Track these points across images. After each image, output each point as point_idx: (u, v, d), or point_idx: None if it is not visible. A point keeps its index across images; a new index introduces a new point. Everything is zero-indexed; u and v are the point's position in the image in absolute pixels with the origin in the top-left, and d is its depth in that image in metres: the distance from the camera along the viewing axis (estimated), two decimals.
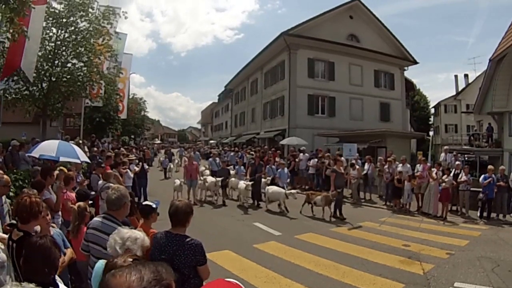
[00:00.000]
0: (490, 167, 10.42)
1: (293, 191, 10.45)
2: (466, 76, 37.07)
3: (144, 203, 3.83)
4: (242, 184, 10.80)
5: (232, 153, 19.23)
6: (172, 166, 19.13)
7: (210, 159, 14.50)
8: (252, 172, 11.61)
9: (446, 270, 5.47)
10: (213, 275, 2.46)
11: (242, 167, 13.31)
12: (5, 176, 4.37)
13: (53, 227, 3.37)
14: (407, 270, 5.43)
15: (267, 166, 12.31)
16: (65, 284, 2.08)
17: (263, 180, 11.40)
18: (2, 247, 2.52)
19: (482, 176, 10.31)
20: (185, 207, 2.65)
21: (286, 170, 12.05)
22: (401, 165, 11.29)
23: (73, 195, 5.14)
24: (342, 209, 9.71)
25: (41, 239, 1.97)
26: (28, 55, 8.49)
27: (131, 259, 1.44)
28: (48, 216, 3.11)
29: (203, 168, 13.73)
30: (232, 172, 12.57)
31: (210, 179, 11.44)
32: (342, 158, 11.99)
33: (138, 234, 2.28)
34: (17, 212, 2.75)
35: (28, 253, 1.90)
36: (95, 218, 3.01)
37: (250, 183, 10.69)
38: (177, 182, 11.22)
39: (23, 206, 2.69)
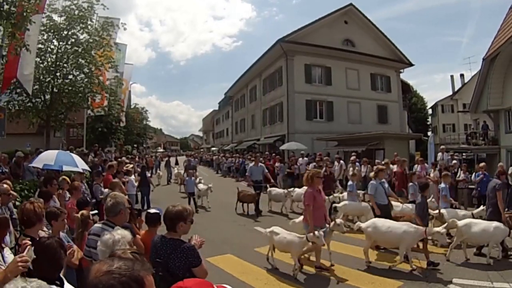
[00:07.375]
0: (481, 164, 10.43)
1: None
2: (462, 76, 37.75)
3: (151, 211, 3.89)
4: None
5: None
6: (204, 187, 11.74)
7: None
8: None
9: (444, 267, 5.55)
10: (214, 278, 2.58)
11: (353, 183, 8.81)
12: (5, 185, 4.51)
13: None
14: (406, 268, 5.50)
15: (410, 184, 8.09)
16: (69, 282, 2.22)
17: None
18: (10, 253, 2.68)
19: (474, 173, 10.40)
20: (173, 213, 2.70)
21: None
22: (396, 166, 11.35)
23: None
24: None
25: (48, 239, 2.15)
26: (24, 65, 8.52)
27: (130, 251, 1.58)
28: (64, 221, 3.35)
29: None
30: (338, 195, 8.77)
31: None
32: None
33: (117, 235, 2.34)
34: (21, 217, 2.94)
35: (36, 252, 2.07)
36: (96, 225, 3.15)
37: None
38: (293, 239, 5.50)
39: (26, 211, 2.88)
